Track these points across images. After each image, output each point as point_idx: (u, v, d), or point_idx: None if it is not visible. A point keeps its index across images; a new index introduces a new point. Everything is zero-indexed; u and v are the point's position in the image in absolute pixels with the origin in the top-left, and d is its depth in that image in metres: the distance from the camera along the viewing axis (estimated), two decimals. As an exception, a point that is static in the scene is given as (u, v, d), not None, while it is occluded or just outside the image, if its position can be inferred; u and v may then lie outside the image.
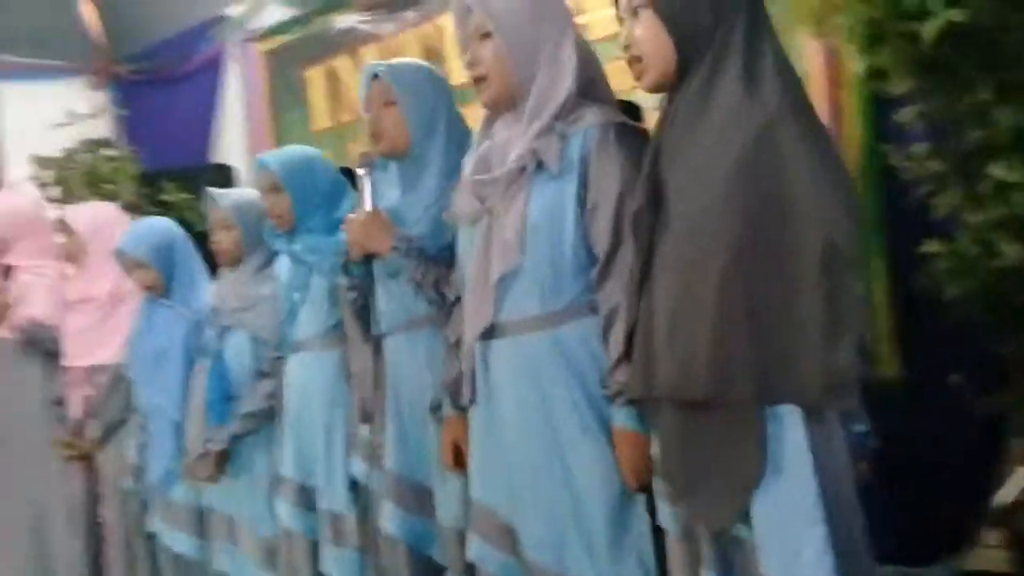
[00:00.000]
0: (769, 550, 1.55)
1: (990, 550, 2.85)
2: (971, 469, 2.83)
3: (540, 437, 1.90)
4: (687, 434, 1.65)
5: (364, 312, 2.39)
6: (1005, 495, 2.78)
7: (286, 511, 2.70)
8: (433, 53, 4.17)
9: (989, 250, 2.50)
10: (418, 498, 2.26)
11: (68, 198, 4.29)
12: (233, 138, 5.03)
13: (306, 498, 2.68)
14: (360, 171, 2.33)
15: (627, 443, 1.81)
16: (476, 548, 1.97)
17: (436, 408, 2.20)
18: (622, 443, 1.82)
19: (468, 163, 2.09)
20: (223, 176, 4.70)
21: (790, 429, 1.57)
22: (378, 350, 2.36)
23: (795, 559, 1.52)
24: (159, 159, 5.09)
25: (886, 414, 3.06)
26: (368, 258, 2.29)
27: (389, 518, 2.31)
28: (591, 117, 1.93)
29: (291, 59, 4.87)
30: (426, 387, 2.30)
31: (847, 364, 1.53)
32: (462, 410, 2.11)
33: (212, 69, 5.08)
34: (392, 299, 2.34)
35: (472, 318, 2.00)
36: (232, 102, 5.03)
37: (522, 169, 1.95)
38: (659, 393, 1.67)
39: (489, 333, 1.97)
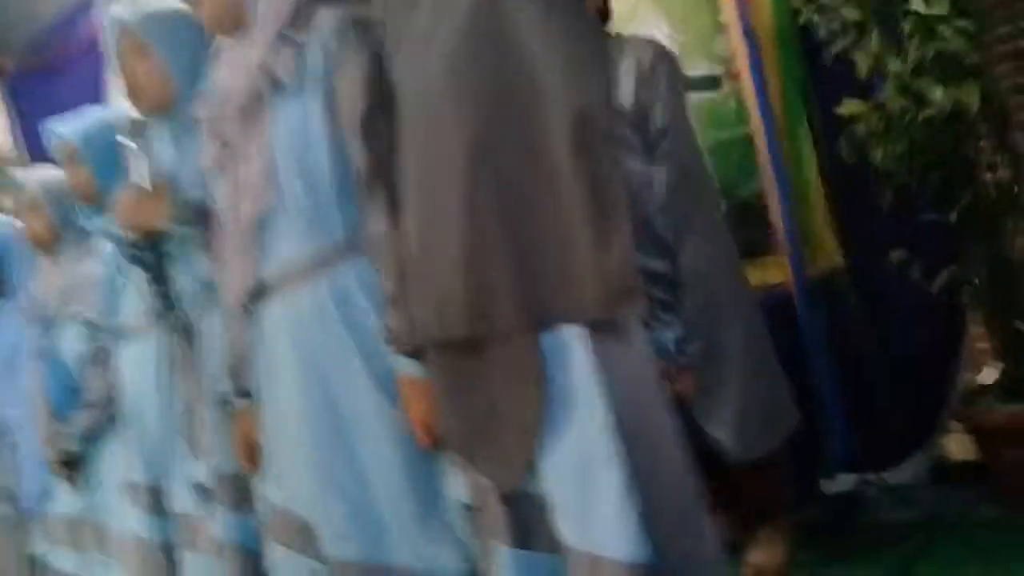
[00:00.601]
0: (564, 509, 1.25)
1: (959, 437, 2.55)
2: (931, 356, 2.51)
3: (323, 407, 1.58)
4: (459, 382, 1.36)
5: (167, 297, 2.06)
6: (969, 379, 2.47)
7: (138, 517, 2.38)
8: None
9: (917, 100, 2.16)
10: (243, 494, 1.93)
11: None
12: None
13: (158, 501, 2.36)
14: (126, 141, 2.03)
15: (410, 391, 1.49)
16: (279, 559, 1.65)
17: (224, 401, 1.87)
18: (405, 392, 1.51)
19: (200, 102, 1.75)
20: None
21: (573, 355, 1.28)
22: (187, 335, 2.02)
23: (590, 517, 1.22)
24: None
25: (838, 308, 2.81)
26: (154, 236, 1.98)
27: (219, 522, 1.98)
28: (328, 19, 1.60)
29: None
30: None
31: (624, 262, 1.26)
32: (251, 396, 1.76)
33: (94, 52, 4.65)
34: (196, 276, 2.00)
35: (235, 281, 1.67)
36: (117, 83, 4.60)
37: (257, 94, 1.61)
38: (420, 338, 1.39)
39: (257, 294, 1.64)
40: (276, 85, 1.63)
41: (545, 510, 1.28)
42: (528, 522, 1.31)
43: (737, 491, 2.48)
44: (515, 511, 1.32)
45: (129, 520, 2.44)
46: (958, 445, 2.54)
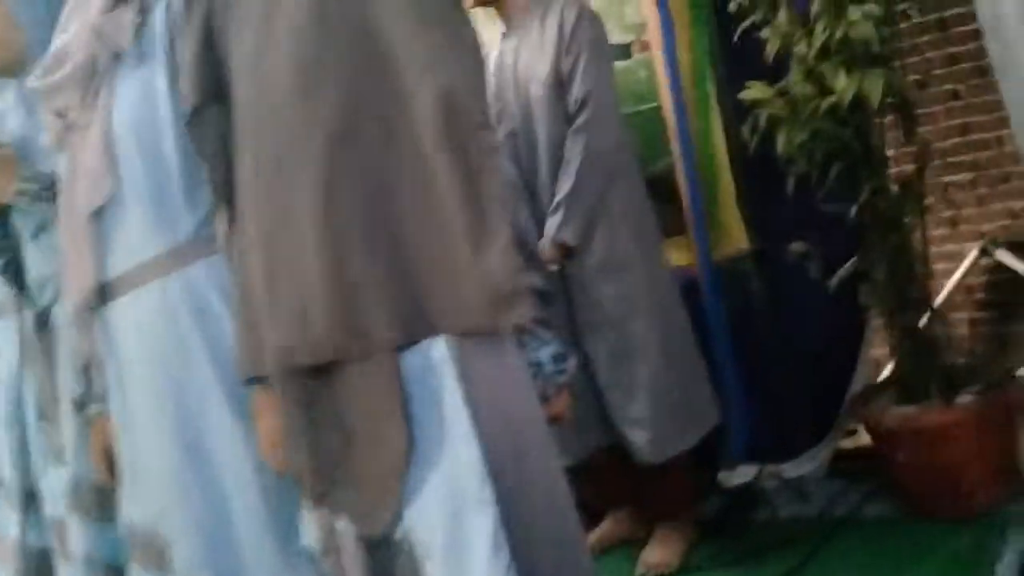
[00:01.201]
0: (433, 554, 1.10)
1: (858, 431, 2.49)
2: (832, 349, 2.43)
3: (177, 422, 1.42)
4: (310, 411, 1.18)
5: (17, 281, 1.86)
6: (865, 375, 2.40)
7: (10, 519, 2.21)
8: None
9: (820, 87, 2.03)
10: (105, 503, 1.78)
11: None
12: None
13: (31, 503, 2.19)
14: None
15: (260, 404, 1.32)
16: None
17: (81, 405, 1.70)
18: (255, 406, 1.34)
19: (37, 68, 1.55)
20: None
21: (442, 381, 1.13)
22: (44, 325, 1.84)
23: (460, 564, 1.08)
24: None
25: (742, 295, 2.71)
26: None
27: (79, 534, 1.83)
28: None
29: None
30: None
31: (505, 262, 1.10)
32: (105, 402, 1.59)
33: None
34: (48, 260, 1.80)
35: (73, 280, 1.48)
36: None
37: (93, 62, 1.42)
38: (271, 367, 1.21)
39: (102, 295, 1.47)
40: (114, 53, 1.42)
41: (410, 556, 1.14)
42: (390, 570, 1.16)
43: (639, 488, 2.41)
44: (376, 558, 1.17)
45: (5, 521, 2.28)
46: (856, 439, 2.49)
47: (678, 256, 2.64)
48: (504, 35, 2.33)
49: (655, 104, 2.61)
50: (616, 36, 2.66)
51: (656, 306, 2.29)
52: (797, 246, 2.18)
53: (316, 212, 1.11)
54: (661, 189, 2.65)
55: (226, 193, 1.28)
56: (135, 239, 1.43)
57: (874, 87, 1.88)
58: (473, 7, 2.35)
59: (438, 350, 1.11)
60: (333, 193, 1.11)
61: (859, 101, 1.93)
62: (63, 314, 1.79)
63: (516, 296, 1.10)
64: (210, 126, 1.29)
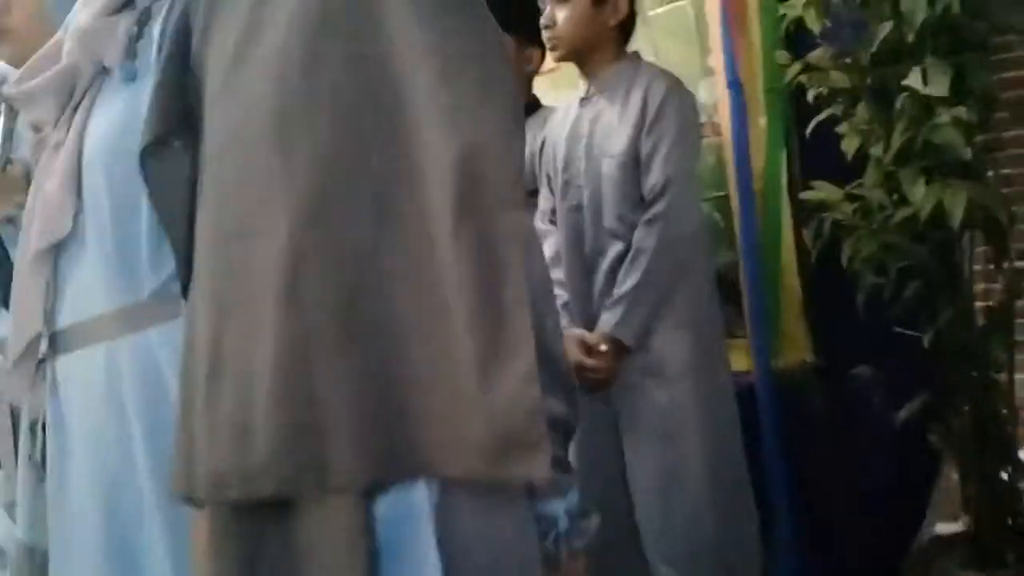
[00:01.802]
0: None
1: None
2: (897, 488, 2.12)
3: (107, 523, 1.19)
4: (257, 561, 0.90)
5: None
6: (933, 528, 2.07)
7: None
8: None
9: (896, 195, 1.78)
10: None
11: None
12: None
13: None
14: None
15: (198, 538, 1.02)
16: None
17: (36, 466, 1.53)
18: (194, 537, 1.10)
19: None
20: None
21: (419, 528, 0.86)
22: None
23: None
24: None
25: (803, 413, 2.42)
26: None
27: None
28: None
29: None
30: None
31: (522, 401, 0.82)
32: None
33: None
34: None
35: (18, 325, 1.26)
36: None
37: (73, 71, 1.21)
38: (203, 492, 0.93)
39: (51, 345, 1.29)
40: (99, 65, 1.20)
41: None
42: None
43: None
44: None
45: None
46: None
47: (735, 360, 2.38)
48: (583, 100, 2.13)
49: (723, 193, 2.39)
50: (686, 117, 2.45)
51: (711, 425, 2.02)
52: (862, 370, 1.92)
53: (277, 300, 0.83)
54: (722, 287, 2.41)
55: (186, 253, 1.01)
56: (90, 287, 1.21)
57: (957, 202, 1.62)
58: (556, 61, 2.20)
59: (420, 495, 0.85)
60: (302, 277, 0.83)
61: (937, 214, 1.67)
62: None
63: (533, 442, 0.82)
64: (171, 165, 1.02)
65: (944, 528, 2.03)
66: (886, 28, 1.78)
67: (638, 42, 2.49)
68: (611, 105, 2.05)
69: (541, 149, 2.19)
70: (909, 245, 1.74)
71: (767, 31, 2.25)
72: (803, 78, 2.03)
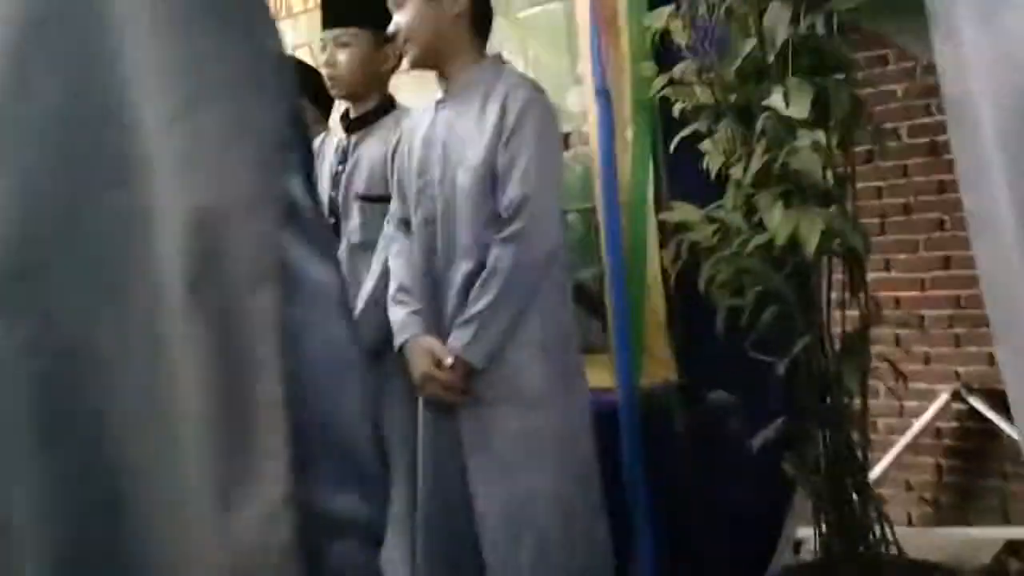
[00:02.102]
0: None
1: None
2: (755, 515, 2.09)
3: None
4: None
5: None
6: (786, 555, 2.05)
7: None
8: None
9: (753, 217, 1.73)
10: None
11: None
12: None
13: None
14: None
15: None
16: None
17: None
18: None
19: None
20: None
21: None
22: None
23: None
24: None
25: (664, 434, 2.37)
26: None
27: None
28: None
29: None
30: None
31: (274, 535, 0.65)
32: None
33: None
34: None
35: None
36: None
37: None
38: None
39: None
40: None
41: None
42: None
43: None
44: None
45: None
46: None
47: (597, 376, 2.31)
48: (439, 103, 2.00)
49: (588, 205, 2.31)
50: (554, 124, 2.37)
51: (565, 455, 1.92)
52: (717, 395, 1.86)
53: None
54: (586, 300, 2.35)
55: None
56: None
57: (813, 230, 1.57)
58: (411, 68, 2.05)
59: None
60: None
61: (796, 242, 1.62)
62: None
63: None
64: None
65: (796, 556, 2.01)
66: (749, 44, 1.72)
67: (507, 44, 2.39)
68: (468, 110, 1.93)
69: (395, 152, 2.06)
70: (766, 270, 1.69)
71: (635, 41, 2.18)
72: (669, 91, 1.97)
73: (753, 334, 1.78)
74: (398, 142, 2.04)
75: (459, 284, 1.87)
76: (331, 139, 2.33)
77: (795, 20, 1.64)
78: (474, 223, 1.86)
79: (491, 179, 1.86)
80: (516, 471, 1.87)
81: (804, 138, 1.65)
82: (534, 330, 1.87)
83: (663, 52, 2.10)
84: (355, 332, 0.82)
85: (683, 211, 1.80)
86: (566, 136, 2.34)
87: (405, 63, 2.06)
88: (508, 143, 1.85)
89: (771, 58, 1.68)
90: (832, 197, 1.66)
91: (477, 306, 1.83)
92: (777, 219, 1.60)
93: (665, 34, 1.95)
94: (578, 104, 2.33)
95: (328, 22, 2.24)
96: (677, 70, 1.92)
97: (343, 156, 2.25)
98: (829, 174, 1.66)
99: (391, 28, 1.95)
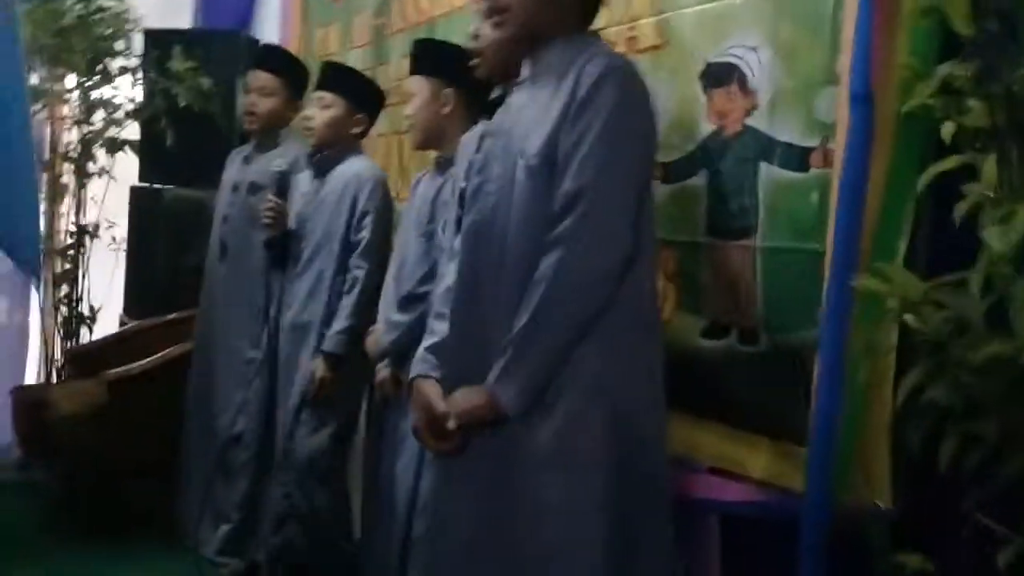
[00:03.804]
0: None
1: None
2: None
3: None
4: None
5: None
6: None
7: None
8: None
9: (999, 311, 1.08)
10: None
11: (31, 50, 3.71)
12: (271, 6, 4.27)
13: None
14: None
15: None
16: None
17: None
18: None
19: None
20: (234, 47, 3.95)
21: None
22: None
23: None
24: (207, 19, 4.51)
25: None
26: None
27: None
28: None
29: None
30: None
31: None
32: None
33: None
34: None
35: None
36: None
37: None
38: None
39: None
40: None
41: None
42: None
43: None
44: None
45: None
46: None
47: (781, 471, 1.75)
48: (516, 84, 1.64)
49: (817, 248, 1.72)
50: (795, 134, 1.79)
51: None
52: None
53: None
54: (787, 368, 1.76)
55: None
56: None
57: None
58: (506, 43, 1.71)
59: None
60: None
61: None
62: None
63: None
64: None
65: None
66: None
67: (758, 25, 1.85)
68: (542, 92, 1.52)
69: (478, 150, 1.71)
70: (1008, 396, 1.05)
71: (920, 31, 1.54)
72: (936, 102, 1.35)
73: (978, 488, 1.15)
74: (482, 138, 1.66)
75: (506, 305, 1.43)
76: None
77: None
78: (528, 227, 1.42)
79: (549, 169, 1.42)
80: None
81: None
82: (590, 362, 1.38)
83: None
84: None
85: (897, 279, 1.19)
86: (806, 151, 1.76)
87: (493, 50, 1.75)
88: (575, 121, 1.42)
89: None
90: None
91: (514, 328, 1.41)
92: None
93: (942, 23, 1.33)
94: (828, 112, 1.72)
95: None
96: (948, 70, 1.29)
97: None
98: None
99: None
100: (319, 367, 2.62)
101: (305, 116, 2.83)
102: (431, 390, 1.60)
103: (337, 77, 2.84)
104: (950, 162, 1.32)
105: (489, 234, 1.53)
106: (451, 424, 1.48)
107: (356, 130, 2.80)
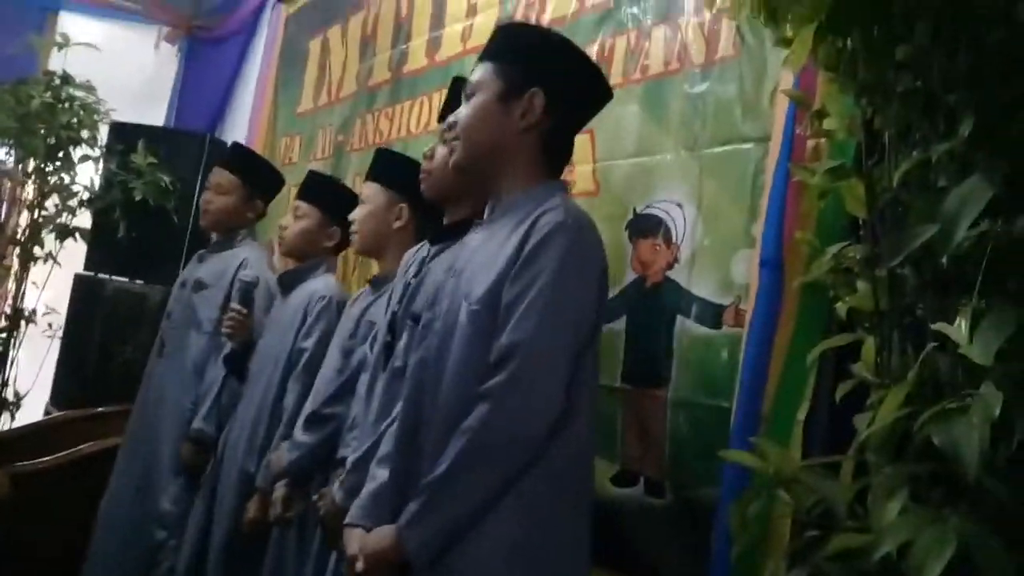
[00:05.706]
0: None
1: None
2: None
3: None
4: None
5: None
6: None
7: None
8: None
9: (860, 503, 1.08)
10: None
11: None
12: (242, 112, 4.37)
13: None
14: None
15: None
16: None
17: None
18: None
19: None
20: (199, 147, 4.01)
21: None
22: None
23: None
24: (180, 118, 4.61)
25: None
26: None
27: None
28: None
29: (304, 24, 3.97)
30: None
31: None
32: None
33: (247, 30, 4.47)
34: None
35: None
36: (251, 70, 4.35)
37: None
38: None
39: None
40: None
41: None
42: None
43: None
44: None
45: None
46: None
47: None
48: (476, 224, 1.64)
49: (726, 404, 1.73)
50: (711, 291, 1.83)
51: None
52: None
53: None
54: (689, 524, 1.74)
55: None
56: None
57: (938, 547, 0.92)
58: (453, 170, 1.71)
59: None
60: None
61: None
62: None
63: None
64: None
65: None
66: (928, 232, 1.11)
67: (684, 184, 1.91)
68: (496, 235, 1.52)
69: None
70: None
71: (827, 207, 1.60)
72: (828, 279, 1.38)
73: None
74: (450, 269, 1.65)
75: (437, 451, 1.40)
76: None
77: (993, 209, 1.01)
78: (465, 371, 1.41)
79: (490, 318, 1.40)
80: None
81: (981, 400, 1.00)
82: (507, 525, 1.35)
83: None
84: None
85: (773, 454, 1.19)
86: (721, 309, 1.79)
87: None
88: (519, 274, 1.41)
89: (944, 259, 1.06)
90: (988, 502, 0.98)
91: (430, 475, 1.38)
92: (887, 518, 0.97)
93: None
94: (742, 274, 1.77)
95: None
96: (839, 249, 1.33)
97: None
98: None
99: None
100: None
101: (280, 225, 2.77)
102: (354, 538, 1.55)
103: (313, 187, 2.74)
104: (842, 339, 1.34)
105: (432, 374, 1.50)
106: (358, 567, 1.42)
107: (328, 243, 2.67)
